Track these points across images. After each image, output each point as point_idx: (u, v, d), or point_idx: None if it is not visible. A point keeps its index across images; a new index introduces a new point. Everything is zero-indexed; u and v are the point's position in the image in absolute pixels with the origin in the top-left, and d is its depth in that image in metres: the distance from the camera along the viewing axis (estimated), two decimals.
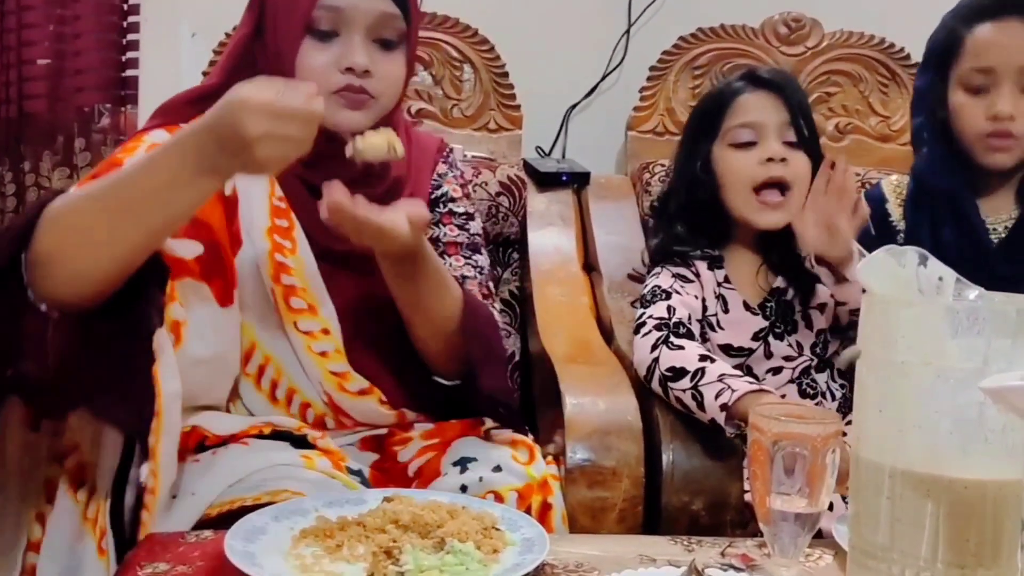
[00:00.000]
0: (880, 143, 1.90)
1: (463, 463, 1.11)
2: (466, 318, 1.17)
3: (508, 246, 1.76)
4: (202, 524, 1.01)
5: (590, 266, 1.70)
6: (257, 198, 1.15)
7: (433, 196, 1.31)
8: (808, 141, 1.38)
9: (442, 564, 0.86)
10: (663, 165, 1.79)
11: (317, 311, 1.15)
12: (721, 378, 1.21)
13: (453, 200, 1.32)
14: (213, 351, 1.10)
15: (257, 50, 1.17)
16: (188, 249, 1.07)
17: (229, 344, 1.13)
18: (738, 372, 1.25)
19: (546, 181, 1.81)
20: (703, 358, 1.25)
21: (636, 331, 1.34)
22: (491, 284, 1.35)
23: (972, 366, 0.71)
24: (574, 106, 2.01)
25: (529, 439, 1.19)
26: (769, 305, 1.39)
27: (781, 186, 1.35)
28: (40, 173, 1.98)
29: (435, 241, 1.29)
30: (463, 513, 0.95)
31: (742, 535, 1.14)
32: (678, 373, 1.25)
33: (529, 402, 1.60)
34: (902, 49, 1.91)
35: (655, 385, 1.27)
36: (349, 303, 1.18)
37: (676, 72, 1.90)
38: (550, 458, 1.20)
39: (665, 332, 1.30)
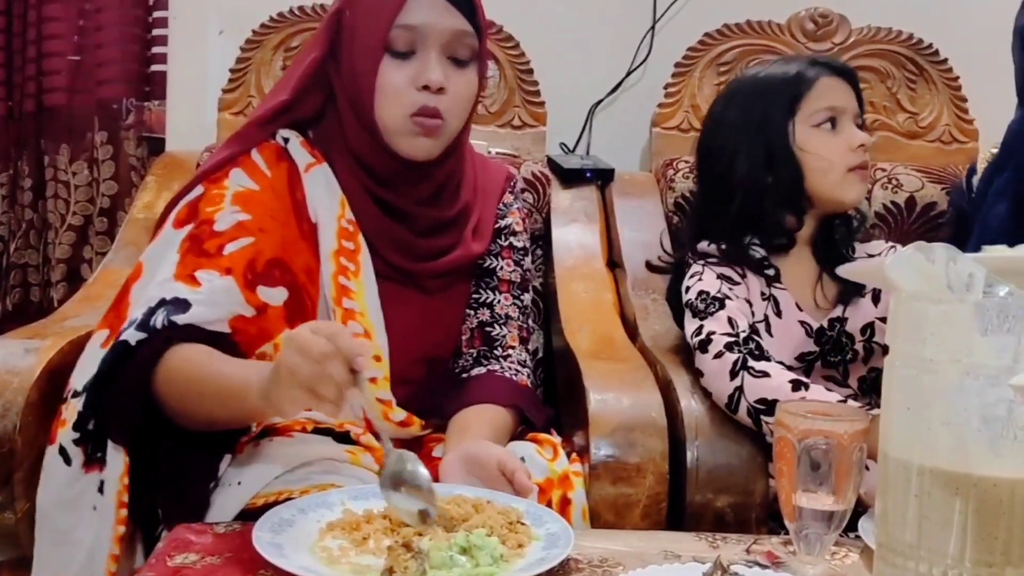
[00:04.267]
0: (908, 140, 1.89)
1: None
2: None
3: (532, 242, 1.75)
4: (247, 513, 1.01)
5: (614, 262, 1.70)
6: (327, 222, 1.18)
7: (497, 225, 1.34)
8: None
9: (463, 553, 0.87)
10: (687, 161, 1.78)
11: (372, 337, 1.18)
12: None
13: (515, 234, 1.36)
14: None
15: (331, 70, 1.20)
16: (279, 296, 1.12)
17: None
18: (837, 396, 1.20)
19: (570, 177, 1.81)
20: (795, 385, 1.19)
21: (701, 348, 1.26)
22: (531, 323, 1.38)
23: (1002, 363, 0.70)
24: (599, 102, 2.01)
25: (555, 439, 1.20)
26: (829, 334, 1.34)
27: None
28: (58, 167, 2.00)
29: (491, 273, 1.32)
30: (488, 507, 0.96)
31: (767, 532, 1.14)
32: (772, 407, 1.17)
33: (553, 398, 1.60)
34: (930, 45, 1.90)
35: (742, 415, 1.21)
36: (409, 320, 1.21)
37: (701, 68, 1.89)
38: (574, 455, 1.20)
39: (741, 354, 1.23)
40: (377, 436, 1.18)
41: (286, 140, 1.22)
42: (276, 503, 0.99)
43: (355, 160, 1.20)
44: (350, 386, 0.88)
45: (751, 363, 1.22)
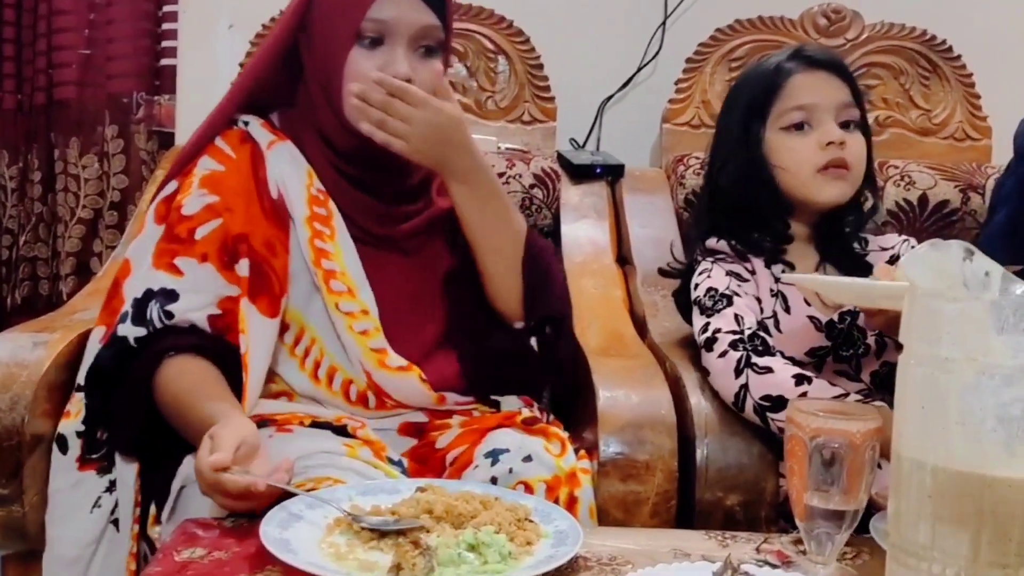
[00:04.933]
0: (921, 136, 1.87)
1: (495, 455, 1.12)
2: (528, 245, 1.25)
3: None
4: None
5: (624, 259, 1.70)
6: (296, 191, 1.21)
7: None
8: (864, 121, 1.34)
9: (471, 550, 0.87)
10: (698, 158, 1.78)
11: (356, 294, 1.20)
12: None
13: None
14: (264, 363, 1.17)
15: (303, 49, 1.22)
16: (243, 268, 1.17)
17: (270, 352, 1.18)
18: (838, 389, 1.19)
19: (580, 173, 1.81)
20: (799, 379, 1.18)
21: (707, 347, 1.25)
22: None
23: (1018, 363, 0.70)
24: (609, 98, 2.01)
25: (563, 434, 1.20)
26: (840, 327, 1.31)
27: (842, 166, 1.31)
28: (68, 160, 2.00)
29: None
30: (496, 504, 0.95)
31: (777, 531, 1.13)
32: (776, 403, 1.17)
33: (562, 395, 1.60)
34: (944, 41, 1.88)
35: (749, 413, 1.20)
36: (391, 284, 1.23)
37: (713, 64, 1.88)
38: (582, 451, 1.20)
39: (744, 351, 1.22)
40: (382, 396, 1.20)
41: (246, 123, 1.25)
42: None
43: (322, 138, 1.23)
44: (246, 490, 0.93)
45: (755, 359, 1.21)
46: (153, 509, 1.14)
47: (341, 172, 1.23)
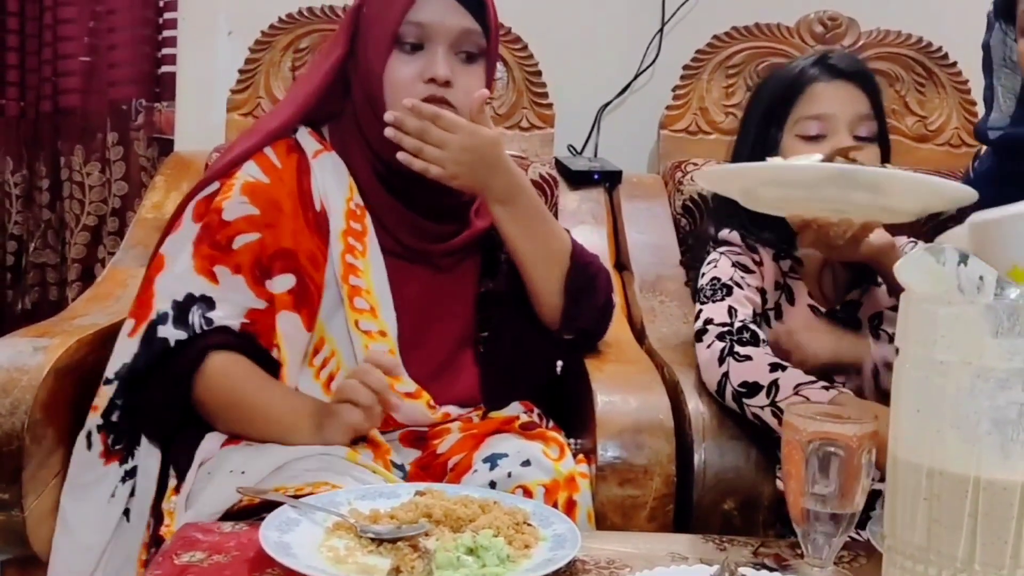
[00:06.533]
0: (917, 143, 1.88)
1: (493, 459, 1.12)
2: (572, 259, 1.27)
3: None
4: (243, 511, 1.02)
5: (621, 265, 1.70)
6: (336, 203, 1.22)
7: None
8: (882, 135, 1.35)
9: (469, 554, 0.87)
10: (695, 164, 1.78)
11: (377, 313, 1.21)
12: (797, 390, 1.17)
13: None
14: (297, 377, 1.19)
15: (350, 68, 1.24)
16: (284, 283, 1.18)
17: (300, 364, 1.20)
18: (811, 377, 1.20)
19: (578, 180, 1.81)
20: (774, 367, 1.20)
21: (697, 337, 1.27)
22: None
23: (1012, 366, 0.70)
24: (606, 105, 2.01)
25: (562, 438, 1.20)
26: (840, 318, 1.33)
27: None
28: (73, 168, 2.01)
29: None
30: (495, 508, 0.96)
31: (774, 535, 1.14)
32: (752, 388, 1.19)
33: (559, 400, 1.60)
34: (940, 48, 1.89)
35: (728, 401, 1.22)
36: (416, 297, 1.24)
37: (710, 71, 1.89)
38: (580, 456, 1.20)
39: (728, 342, 1.23)
40: (387, 417, 1.19)
41: (295, 131, 1.26)
42: (270, 502, 1.00)
43: (369, 148, 1.24)
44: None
45: (736, 348, 1.22)
46: (172, 482, 1.16)
47: (385, 183, 1.24)
